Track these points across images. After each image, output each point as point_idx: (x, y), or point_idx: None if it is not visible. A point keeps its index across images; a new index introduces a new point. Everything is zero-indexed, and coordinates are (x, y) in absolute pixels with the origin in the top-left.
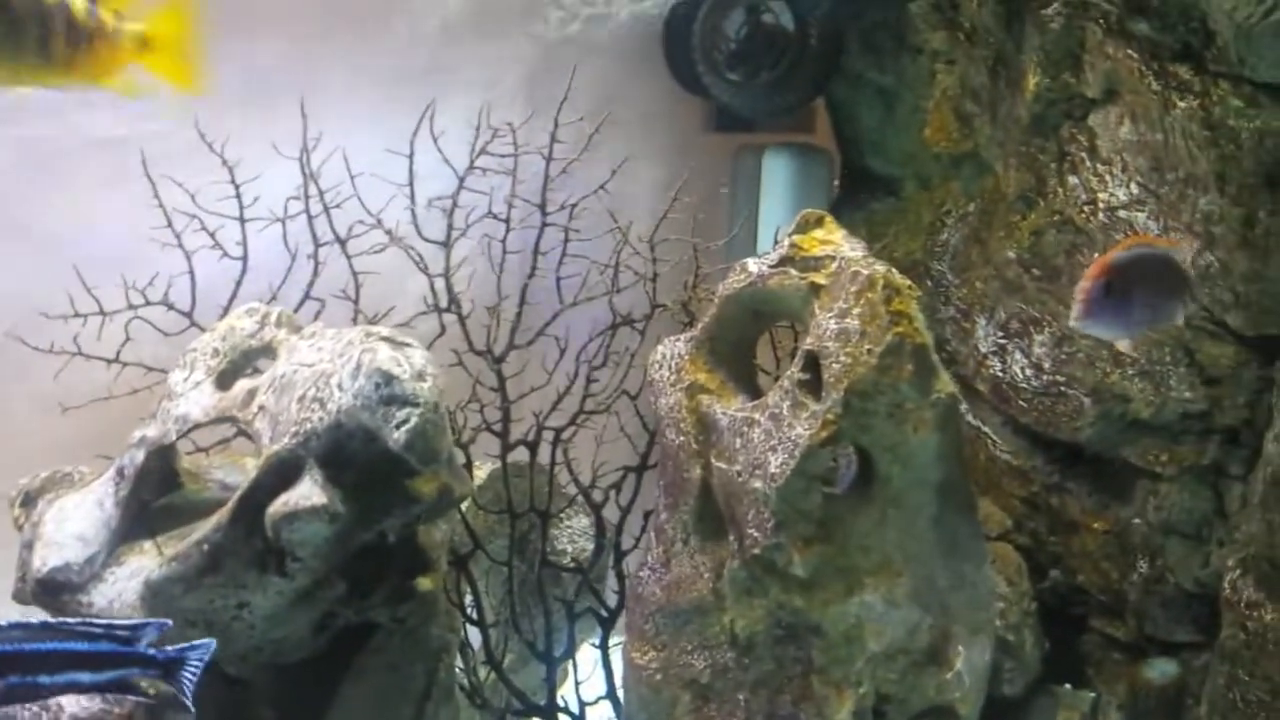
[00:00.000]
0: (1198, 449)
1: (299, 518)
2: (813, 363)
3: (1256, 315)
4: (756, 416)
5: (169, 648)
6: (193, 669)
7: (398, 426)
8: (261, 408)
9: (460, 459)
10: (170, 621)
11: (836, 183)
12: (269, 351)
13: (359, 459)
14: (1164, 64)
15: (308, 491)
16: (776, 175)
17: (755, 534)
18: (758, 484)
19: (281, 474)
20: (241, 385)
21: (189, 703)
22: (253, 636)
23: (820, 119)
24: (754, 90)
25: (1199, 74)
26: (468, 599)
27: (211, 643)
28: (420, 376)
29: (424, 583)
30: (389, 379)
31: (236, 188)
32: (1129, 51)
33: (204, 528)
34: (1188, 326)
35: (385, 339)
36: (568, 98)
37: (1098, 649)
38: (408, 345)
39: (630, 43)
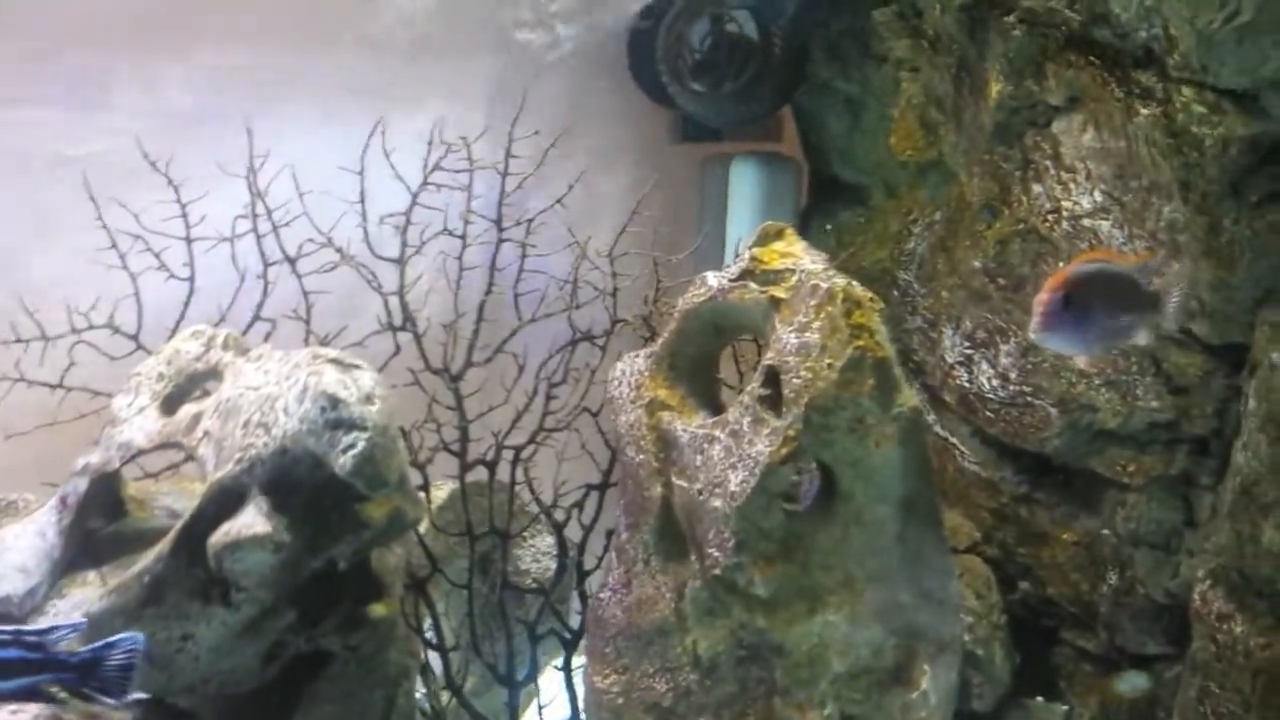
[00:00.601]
0: (1166, 459)
1: (241, 547)
2: (773, 378)
3: (1222, 324)
4: (717, 433)
5: (83, 648)
6: (114, 667)
7: (344, 451)
8: (206, 433)
9: (416, 480)
10: (85, 621)
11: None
12: (215, 375)
13: (306, 485)
14: (1126, 71)
15: (251, 520)
16: (744, 185)
17: (716, 553)
18: (718, 502)
19: (224, 502)
20: (186, 410)
21: (111, 701)
22: (198, 668)
23: (788, 128)
24: (719, 99)
25: (1161, 80)
26: (429, 622)
27: (137, 637)
28: (368, 399)
29: (378, 609)
30: (335, 402)
31: (183, 207)
32: (1091, 58)
33: (145, 559)
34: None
35: (333, 361)
36: (533, 111)
37: (1069, 661)
38: (356, 367)
39: (595, 53)
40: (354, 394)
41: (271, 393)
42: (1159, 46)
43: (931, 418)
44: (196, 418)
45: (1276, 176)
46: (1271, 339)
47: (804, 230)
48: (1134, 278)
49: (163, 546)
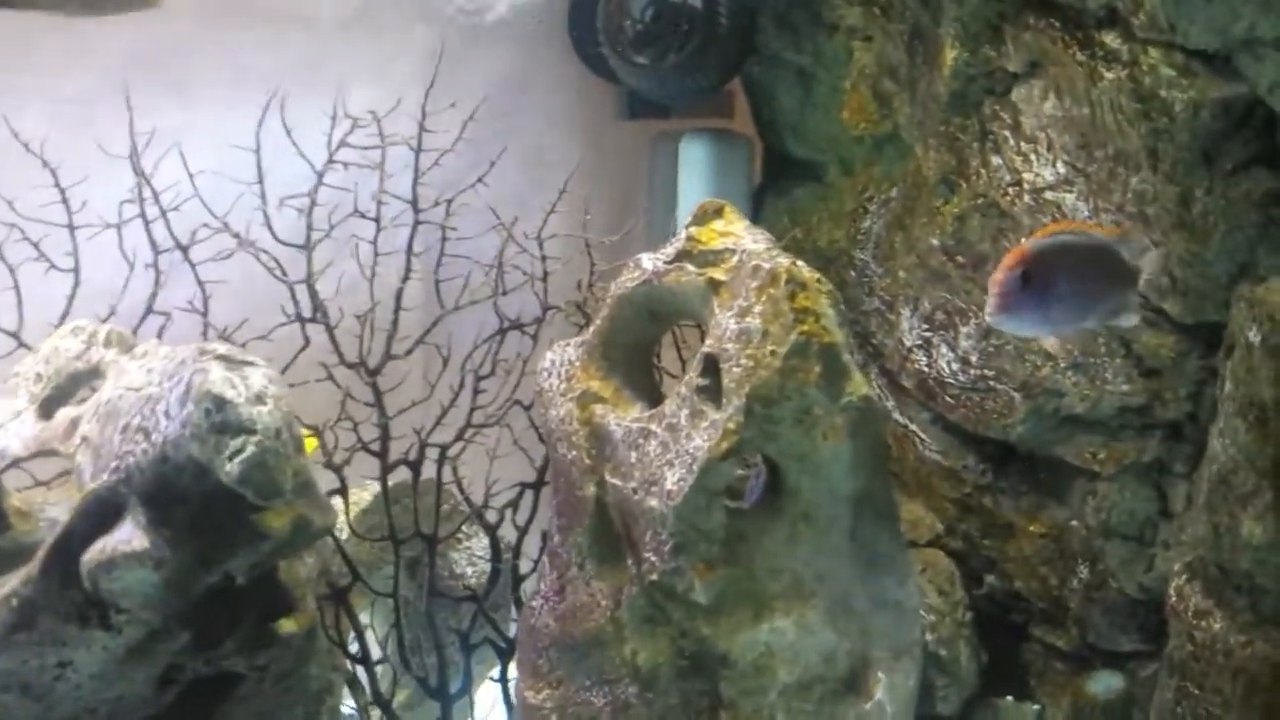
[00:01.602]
0: (1138, 445)
1: (118, 565)
2: (713, 366)
3: (1196, 302)
4: (653, 427)
5: None
6: None
7: (231, 458)
8: (84, 439)
9: (331, 484)
10: None
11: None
12: (98, 374)
13: (192, 495)
14: (1089, 32)
15: (128, 535)
16: (694, 163)
17: (653, 557)
18: (654, 502)
19: (100, 516)
20: (64, 414)
21: None
22: (81, 697)
23: (740, 103)
24: (662, 73)
25: (1127, 41)
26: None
27: None
28: (259, 399)
29: (286, 624)
30: (221, 404)
31: (63, 192)
32: (1051, 20)
33: (12, 580)
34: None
35: (220, 357)
36: (470, 86)
37: (1039, 659)
38: (246, 364)
39: (535, 25)
40: (242, 394)
41: (153, 394)
42: (1123, 5)
43: (890, 404)
44: (75, 422)
45: (1251, 142)
46: (1248, 317)
47: (758, 209)
48: (1106, 248)
49: (32, 567)
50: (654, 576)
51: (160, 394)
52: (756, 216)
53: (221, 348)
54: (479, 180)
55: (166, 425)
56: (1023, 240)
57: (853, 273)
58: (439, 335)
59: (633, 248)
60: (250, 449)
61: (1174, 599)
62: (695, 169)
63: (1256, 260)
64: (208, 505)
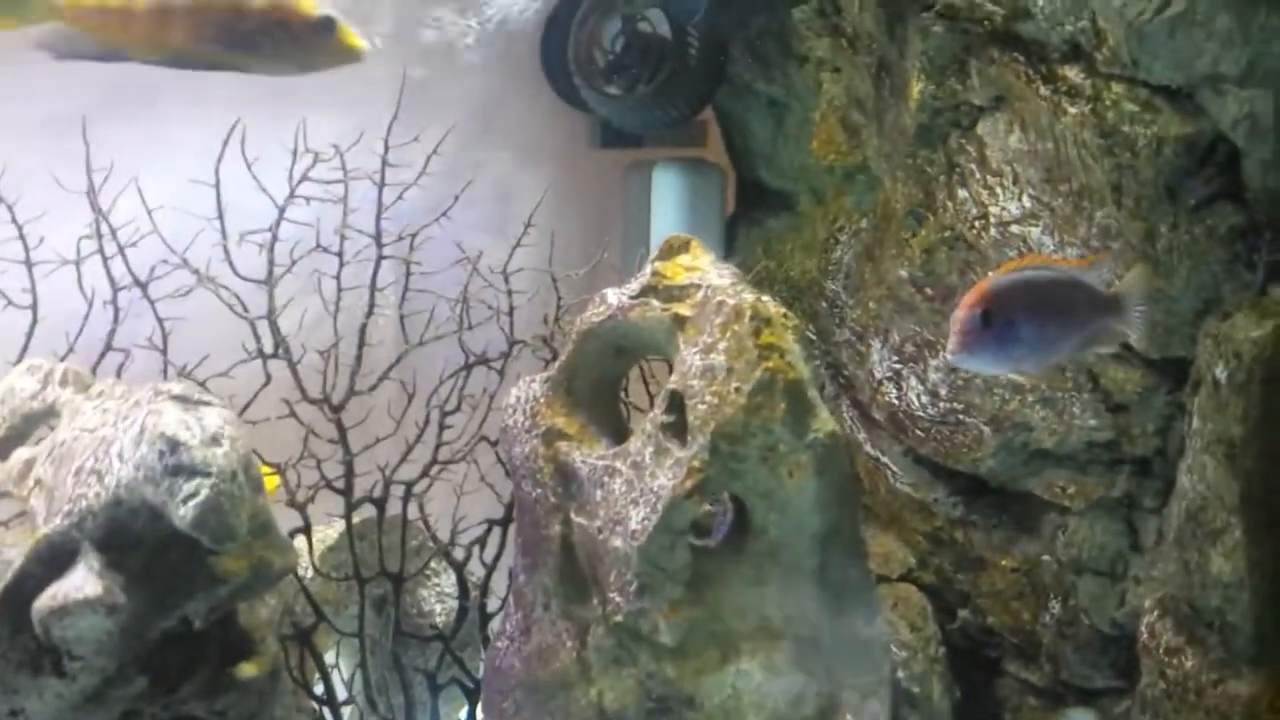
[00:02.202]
0: (1107, 480)
1: (71, 612)
2: (678, 403)
3: (1162, 337)
4: (618, 465)
5: None
6: None
7: (185, 501)
8: (38, 481)
9: (294, 524)
10: None
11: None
12: (54, 414)
13: (147, 539)
14: (1052, 67)
15: (80, 581)
16: (666, 193)
17: (617, 598)
18: (618, 542)
19: (52, 561)
20: (19, 455)
21: None
22: None
23: (712, 133)
24: (634, 103)
25: (1090, 77)
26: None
27: None
28: (214, 441)
29: (246, 668)
30: (174, 446)
31: (20, 228)
32: (1015, 54)
33: None
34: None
35: (176, 398)
36: (442, 116)
37: (1013, 695)
38: (202, 404)
39: (507, 55)
40: (197, 435)
41: (107, 435)
42: (1086, 41)
43: (862, 436)
44: (29, 464)
45: (1214, 178)
46: (1215, 353)
47: (731, 239)
48: (1071, 281)
49: None
50: (619, 618)
51: (114, 435)
52: (729, 246)
53: (177, 387)
54: (443, 214)
55: (120, 468)
56: (989, 273)
57: (824, 303)
58: (404, 370)
59: (605, 278)
60: (204, 492)
61: (1145, 636)
62: (668, 198)
63: (1222, 296)
64: (163, 549)
